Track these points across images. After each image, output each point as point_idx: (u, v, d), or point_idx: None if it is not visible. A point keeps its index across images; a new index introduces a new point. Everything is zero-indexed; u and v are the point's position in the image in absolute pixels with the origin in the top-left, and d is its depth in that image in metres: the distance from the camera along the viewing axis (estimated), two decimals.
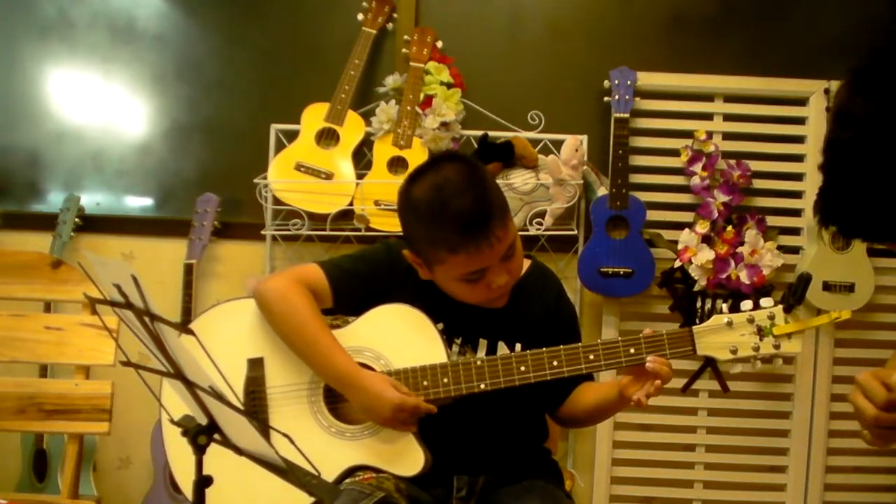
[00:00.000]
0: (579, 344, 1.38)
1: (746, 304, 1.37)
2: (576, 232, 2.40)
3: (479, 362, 1.38)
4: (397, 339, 1.42)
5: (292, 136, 2.37)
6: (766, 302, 1.36)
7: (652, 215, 2.38)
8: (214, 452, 1.06)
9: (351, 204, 2.29)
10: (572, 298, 1.64)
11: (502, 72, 2.53)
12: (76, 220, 2.42)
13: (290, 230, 2.32)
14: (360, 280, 1.47)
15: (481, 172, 1.38)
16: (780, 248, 2.36)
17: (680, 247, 2.34)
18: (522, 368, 1.37)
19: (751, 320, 1.35)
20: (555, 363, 1.37)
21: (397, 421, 1.35)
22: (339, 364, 1.38)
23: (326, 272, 1.46)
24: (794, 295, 1.32)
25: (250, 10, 2.56)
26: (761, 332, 1.35)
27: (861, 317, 2.41)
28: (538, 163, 2.32)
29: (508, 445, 1.47)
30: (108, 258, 0.99)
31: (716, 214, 2.34)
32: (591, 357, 1.36)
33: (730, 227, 2.35)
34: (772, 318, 1.35)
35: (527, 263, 1.53)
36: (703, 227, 2.34)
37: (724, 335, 1.36)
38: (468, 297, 1.41)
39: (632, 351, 1.35)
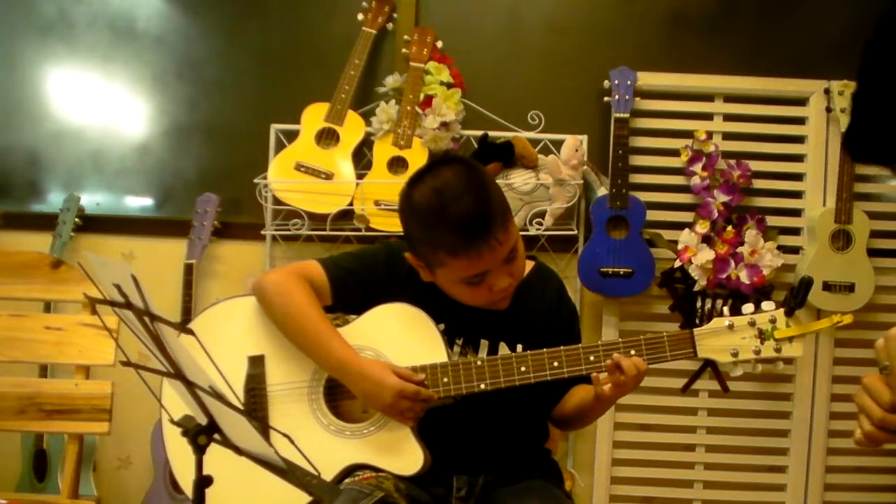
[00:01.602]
0: (580, 345, 1.38)
1: (748, 307, 1.36)
2: (576, 232, 2.40)
3: (479, 362, 1.38)
4: (398, 337, 1.42)
5: (292, 136, 2.37)
6: (767, 305, 1.35)
7: (652, 215, 2.38)
8: (214, 452, 1.06)
9: (351, 204, 2.29)
10: (572, 298, 1.64)
11: (502, 72, 2.53)
12: (76, 220, 2.42)
13: (290, 230, 2.32)
14: (360, 279, 1.47)
15: (482, 175, 1.38)
16: (780, 248, 2.36)
17: (680, 247, 2.34)
18: (523, 369, 1.37)
19: (752, 323, 1.34)
20: (555, 364, 1.37)
21: (398, 409, 1.35)
22: (339, 352, 1.38)
23: (326, 269, 1.46)
24: (795, 298, 1.31)
25: (250, 10, 2.56)
26: (762, 336, 1.34)
27: (861, 317, 2.41)
28: (538, 163, 2.32)
29: (508, 445, 1.47)
30: (108, 258, 0.99)
31: (716, 214, 2.34)
32: (592, 358, 1.36)
33: (730, 227, 2.35)
34: (773, 321, 1.34)
35: (530, 264, 1.53)
36: (703, 227, 2.34)
37: (724, 338, 1.35)
38: (470, 300, 1.41)
39: (632, 353, 1.35)
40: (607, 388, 1.33)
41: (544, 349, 1.37)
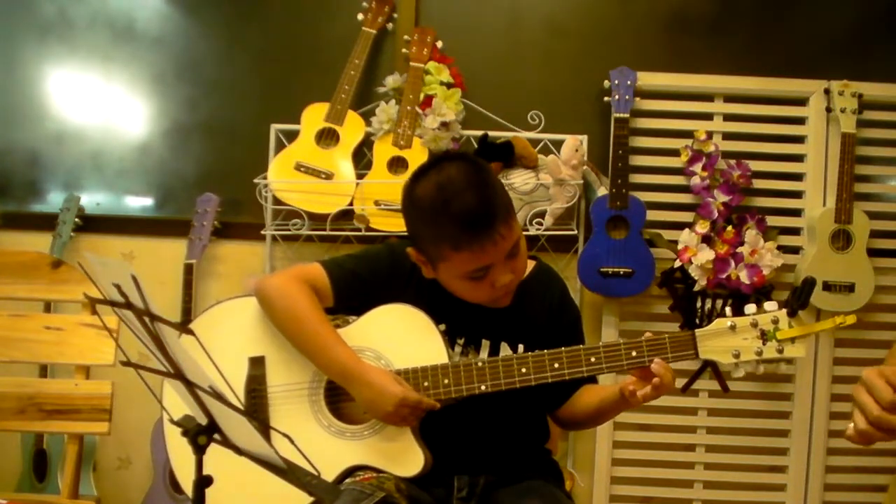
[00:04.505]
0: (581, 346, 1.37)
1: (750, 308, 1.35)
2: (576, 232, 2.40)
3: (479, 363, 1.38)
4: (398, 339, 1.42)
5: (292, 136, 2.37)
6: (769, 306, 1.34)
7: (652, 215, 2.38)
8: (214, 452, 1.06)
9: (351, 204, 2.29)
10: (572, 298, 1.64)
11: (502, 72, 2.53)
12: (76, 220, 2.42)
13: (290, 230, 2.32)
14: (362, 280, 1.47)
15: (485, 171, 1.38)
16: (780, 248, 2.36)
17: (680, 247, 2.35)
18: (523, 370, 1.36)
19: (754, 324, 1.33)
20: (556, 365, 1.36)
21: (399, 416, 1.35)
22: (341, 357, 1.38)
23: (328, 271, 1.46)
24: (798, 299, 1.31)
25: (250, 10, 2.56)
26: (765, 337, 1.33)
27: (861, 317, 2.37)
28: (538, 163, 2.32)
29: (509, 446, 1.47)
30: (108, 258, 0.99)
31: (716, 214, 2.34)
32: (593, 359, 1.36)
33: (730, 227, 2.35)
34: (775, 322, 1.33)
35: (531, 264, 1.53)
36: (703, 227, 2.34)
37: (726, 339, 1.34)
38: (472, 296, 1.41)
39: (633, 354, 1.35)
40: (641, 395, 1.31)
41: (545, 350, 1.37)
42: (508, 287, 1.39)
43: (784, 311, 1.33)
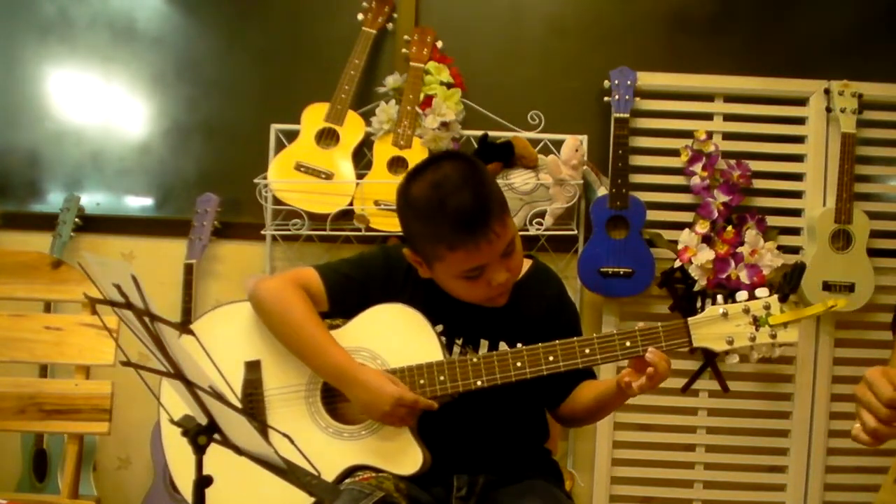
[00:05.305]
0: (575, 338, 1.37)
1: (742, 295, 1.36)
2: (576, 232, 2.40)
3: (475, 359, 1.38)
4: (393, 338, 1.42)
5: (292, 136, 2.37)
6: (761, 292, 1.35)
7: (652, 215, 2.38)
8: (214, 452, 1.06)
9: (351, 204, 2.29)
10: (572, 298, 1.64)
11: (502, 72, 2.53)
12: (76, 220, 2.42)
13: (290, 230, 2.32)
14: (357, 284, 1.47)
15: (480, 170, 1.38)
16: (780, 248, 2.36)
17: (680, 247, 2.34)
18: (518, 364, 1.36)
19: (746, 310, 1.34)
20: (551, 358, 1.36)
21: (396, 416, 1.35)
22: (336, 360, 1.38)
23: (322, 275, 1.46)
24: (788, 283, 1.31)
25: (250, 10, 2.56)
26: (757, 322, 1.34)
27: (861, 317, 2.41)
28: (538, 163, 2.32)
29: (508, 445, 1.47)
30: (107, 258, 0.99)
31: (716, 214, 2.34)
32: (587, 351, 1.36)
33: (730, 227, 2.35)
34: (767, 307, 1.34)
35: (528, 264, 1.53)
36: (703, 227, 2.34)
37: (719, 326, 1.35)
38: (468, 296, 1.41)
39: (627, 344, 1.35)
40: (637, 386, 1.31)
41: (539, 344, 1.37)
42: (505, 286, 1.39)
43: (775, 296, 1.34)
